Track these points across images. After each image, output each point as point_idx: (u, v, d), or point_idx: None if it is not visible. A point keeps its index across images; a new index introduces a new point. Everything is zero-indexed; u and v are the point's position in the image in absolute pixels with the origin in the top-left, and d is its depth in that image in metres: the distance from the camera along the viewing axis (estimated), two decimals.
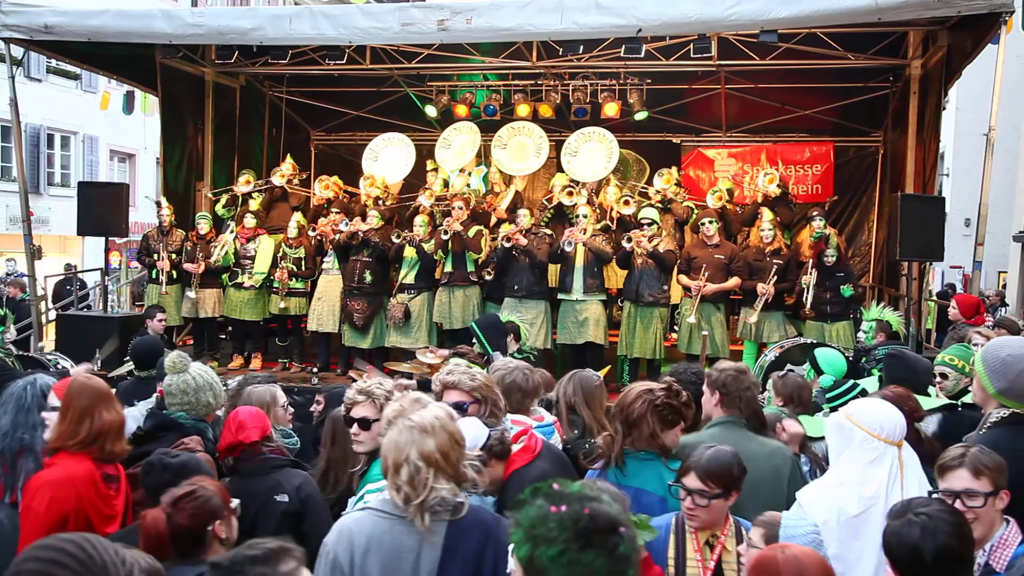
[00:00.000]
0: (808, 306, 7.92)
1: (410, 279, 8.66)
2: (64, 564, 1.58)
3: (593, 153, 9.71)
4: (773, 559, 2.09)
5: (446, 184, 9.89)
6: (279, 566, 1.86)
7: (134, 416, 3.99)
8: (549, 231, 8.57)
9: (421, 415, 2.40)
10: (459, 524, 2.35)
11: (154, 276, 9.34)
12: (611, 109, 10.36)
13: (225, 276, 9.19)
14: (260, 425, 3.38)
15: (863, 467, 2.70)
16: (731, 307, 8.61)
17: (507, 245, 8.21)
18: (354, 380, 7.23)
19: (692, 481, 2.77)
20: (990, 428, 3.10)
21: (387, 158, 10.33)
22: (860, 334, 7.17)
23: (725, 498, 2.77)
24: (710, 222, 8.26)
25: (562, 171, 9.79)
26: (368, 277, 8.63)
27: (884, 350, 5.61)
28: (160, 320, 8.19)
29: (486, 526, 2.40)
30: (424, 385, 5.90)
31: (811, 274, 7.89)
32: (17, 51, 8.99)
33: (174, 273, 9.25)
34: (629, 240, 7.96)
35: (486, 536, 2.37)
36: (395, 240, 8.53)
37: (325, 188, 9.80)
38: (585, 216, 8.25)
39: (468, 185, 9.84)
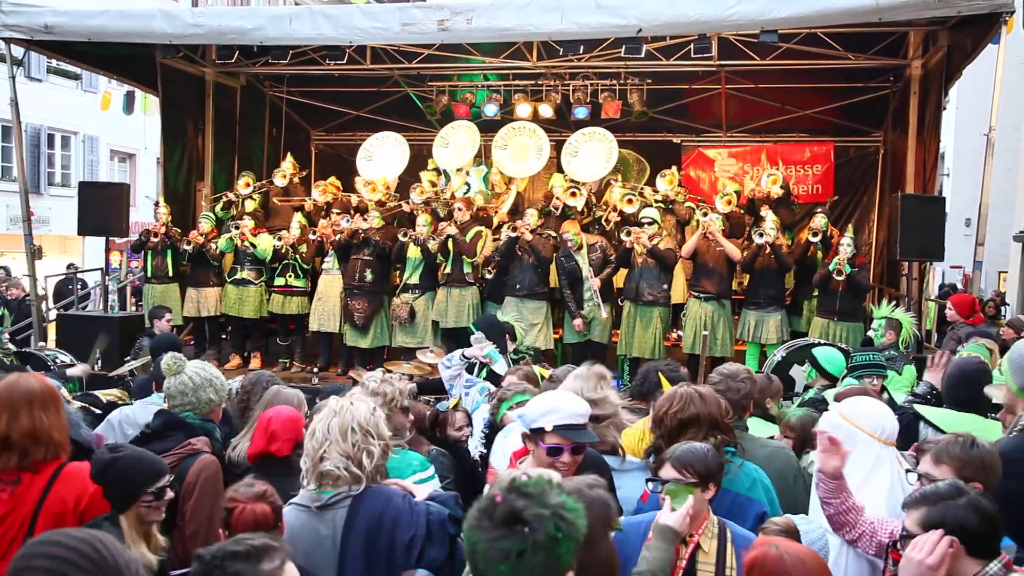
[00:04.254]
0: (844, 276, 7.55)
1: (415, 279, 8.66)
2: (79, 565, 1.50)
3: (593, 153, 9.71)
4: (779, 559, 2.05)
5: (435, 182, 9.83)
6: (262, 564, 1.82)
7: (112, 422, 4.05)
8: (553, 232, 8.58)
9: (343, 416, 2.69)
10: (359, 497, 2.63)
11: (149, 275, 9.34)
12: (611, 109, 10.35)
13: (226, 272, 9.19)
14: (292, 436, 3.26)
15: (866, 475, 2.65)
16: (734, 307, 8.59)
17: (513, 235, 8.23)
18: (355, 381, 7.21)
19: (667, 472, 2.62)
20: (1021, 431, 3.01)
21: (381, 157, 10.30)
22: (870, 332, 7.03)
23: (702, 489, 2.59)
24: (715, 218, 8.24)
25: (561, 171, 9.79)
26: (369, 276, 8.62)
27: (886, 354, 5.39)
28: (167, 320, 8.15)
29: (383, 496, 2.66)
30: (424, 386, 5.92)
31: (843, 252, 7.64)
32: (17, 51, 8.99)
33: (170, 268, 9.24)
34: (628, 234, 7.96)
35: (386, 504, 2.64)
36: (401, 239, 8.52)
37: (323, 192, 9.78)
38: (573, 239, 8.15)
39: (467, 184, 9.82)
